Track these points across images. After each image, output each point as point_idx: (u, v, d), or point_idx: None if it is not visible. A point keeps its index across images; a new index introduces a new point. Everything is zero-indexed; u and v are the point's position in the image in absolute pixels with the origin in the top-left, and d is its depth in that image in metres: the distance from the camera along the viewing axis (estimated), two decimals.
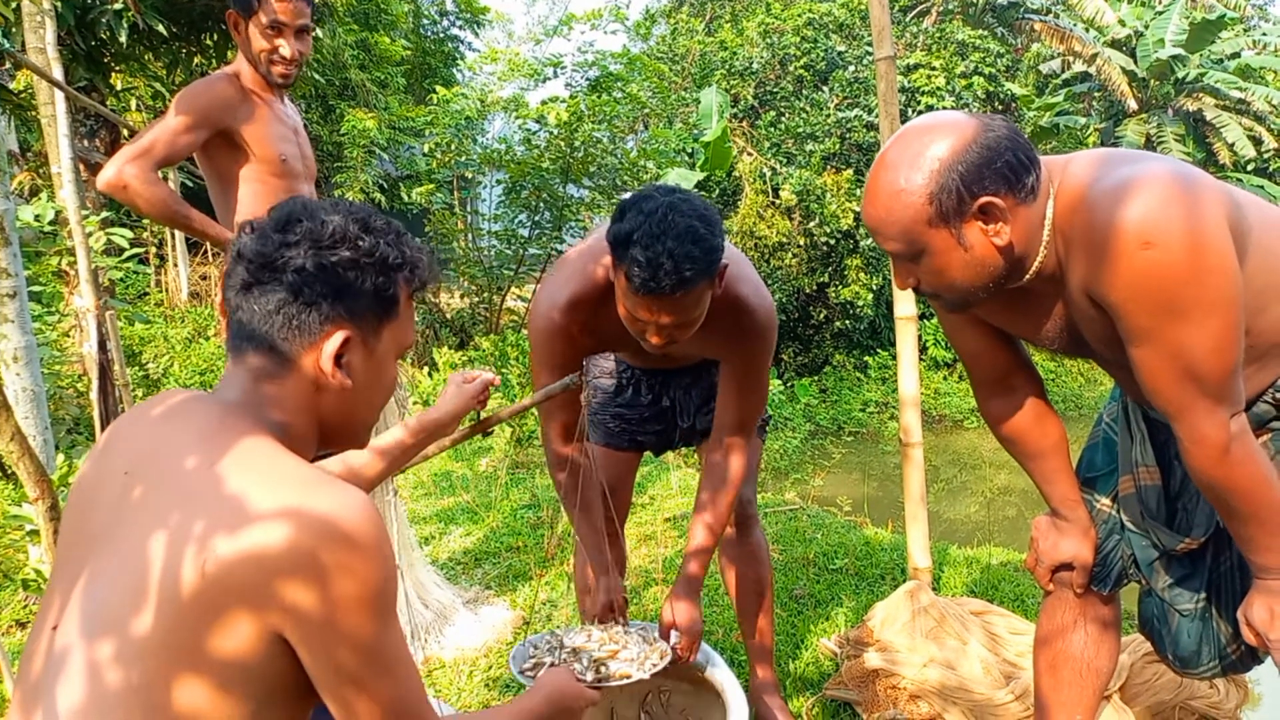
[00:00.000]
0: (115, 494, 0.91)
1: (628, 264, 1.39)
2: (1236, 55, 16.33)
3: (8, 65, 4.74)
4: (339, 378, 0.95)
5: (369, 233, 0.95)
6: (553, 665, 1.53)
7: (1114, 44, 15.86)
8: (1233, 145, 15.03)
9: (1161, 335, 1.16)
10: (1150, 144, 15.28)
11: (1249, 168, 15.56)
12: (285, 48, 2.17)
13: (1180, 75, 15.45)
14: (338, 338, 0.93)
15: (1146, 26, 15.65)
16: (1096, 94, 16.59)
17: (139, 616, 0.81)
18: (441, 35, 14.58)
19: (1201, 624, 1.49)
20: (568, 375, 1.60)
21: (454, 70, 14.58)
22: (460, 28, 15.10)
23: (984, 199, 1.18)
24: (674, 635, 1.72)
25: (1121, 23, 15.88)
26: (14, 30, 4.07)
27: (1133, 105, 15.63)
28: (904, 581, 2.72)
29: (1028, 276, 1.28)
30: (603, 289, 1.59)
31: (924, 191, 1.19)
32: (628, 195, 1.48)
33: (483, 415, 1.57)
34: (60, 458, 2.79)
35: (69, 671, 0.83)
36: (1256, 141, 15.18)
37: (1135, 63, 15.55)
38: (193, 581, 0.80)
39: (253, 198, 2.21)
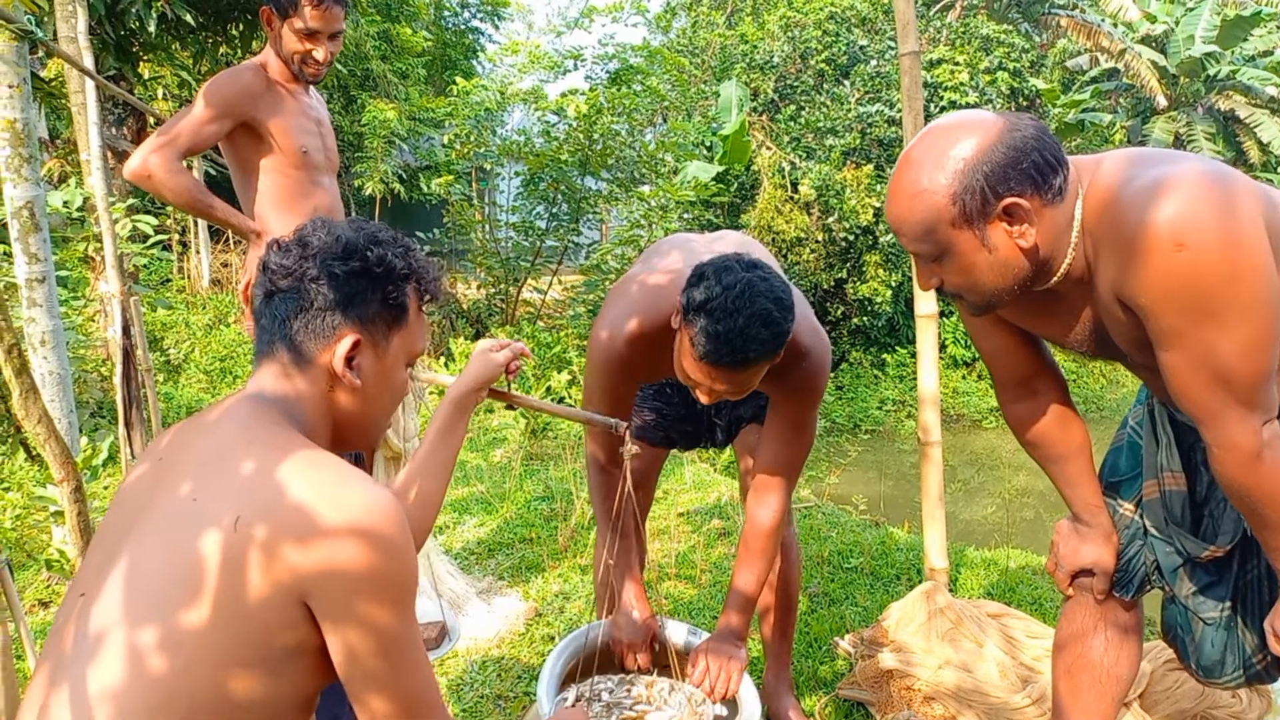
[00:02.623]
0: (153, 476, 0.98)
1: (695, 330, 1.41)
2: (1269, 53, 16.06)
3: (40, 54, 4.79)
4: (349, 378, 1.02)
5: (378, 244, 1.03)
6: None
7: (1144, 40, 15.64)
8: (1267, 144, 14.78)
9: (1193, 339, 1.14)
10: (1179, 142, 15.07)
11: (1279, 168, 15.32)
12: (319, 52, 2.19)
13: (1212, 72, 15.21)
14: (348, 340, 1.01)
15: (1177, 23, 15.42)
16: (1124, 92, 16.38)
17: (184, 609, 0.85)
18: (462, 27, 14.62)
19: (1226, 633, 1.47)
20: (619, 401, 1.64)
21: (474, 62, 14.62)
22: (481, 20, 15.13)
23: (1009, 200, 1.16)
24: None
25: (1151, 18, 15.65)
26: (46, 19, 4.12)
27: (1162, 102, 15.41)
28: (920, 582, 2.71)
29: (1055, 278, 1.26)
30: (666, 323, 1.59)
31: (948, 191, 1.17)
32: (709, 260, 1.48)
33: (511, 389, 1.52)
34: (84, 441, 2.83)
35: (104, 652, 0.85)
36: None
37: (1166, 58, 15.34)
38: (251, 585, 0.85)
39: (273, 188, 2.23)
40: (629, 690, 1.62)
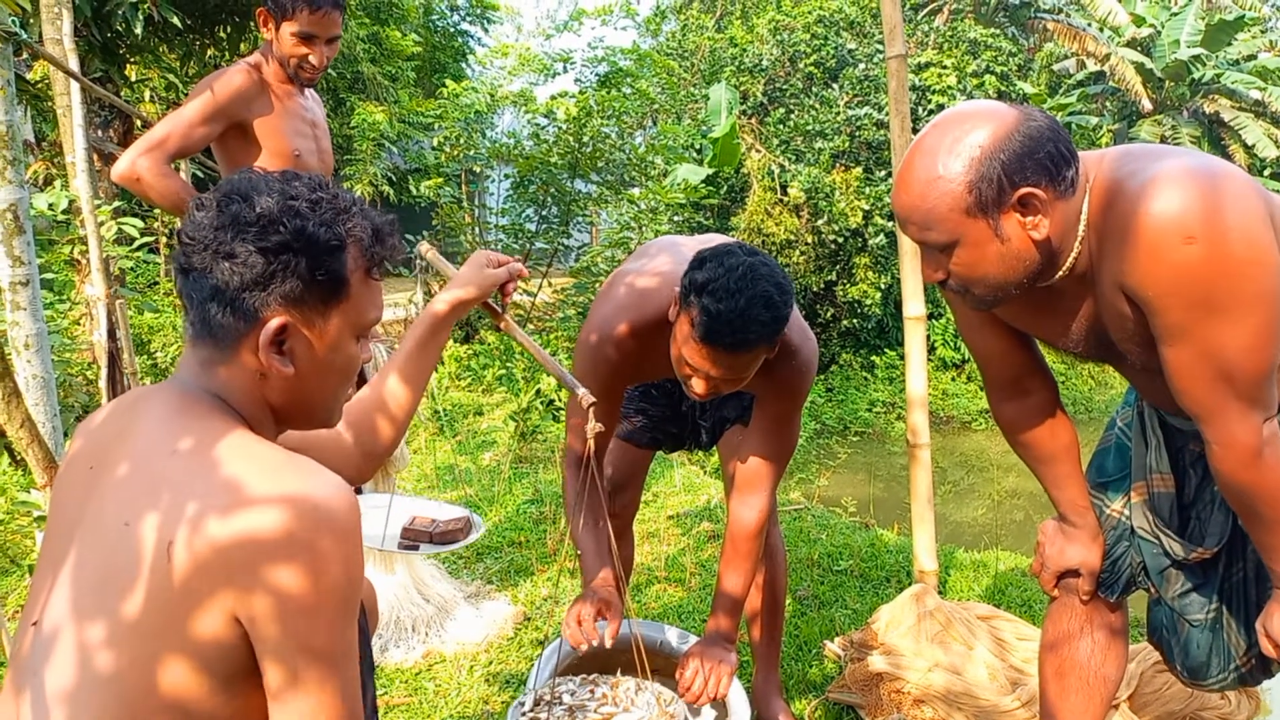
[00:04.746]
0: (84, 487, 0.91)
1: (696, 310, 1.41)
2: (1253, 57, 16.23)
3: (25, 56, 4.75)
4: (276, 366, 0.91)
5: (297, 216, 0.89)
6: None
7: (1130, 44, 15.78)
8: (1252, 147, 14.93)
9: (1198, 333, 1.13)
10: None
11: (1266, 171, 15.45)
12: (314, 56, 2.18)
13: (1196, 76, 15.35)
14: (274, 324, 0.90)
15: (1162, 27, 15.55)
16: (1110, 96, 16.51)
17: (126, 601, 0.82)
18: (451, 30, 14.58)
19: (1212, 635, 1.48)
20: (607, 402, 1.61)
21: (463, 65, 14.59)
22: (470, 23, 15.11)
23: (1024, 190, 1.15)
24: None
25: (1139, 21, 15.77)
26: (32, 21, 4.08)
27: (1147, 106, 15.54)
28: (909, 584, 2.72)
29: (1059, 274, 1.25)
30: (655, 324, 1.59)
31: (963, 179, 1.15)
32: (709, 247, 1.49)
33: (505, 312, 1.42)
34: (69, 444, 2.80)
35: (57, 654, 0.84)
36: (1276, 143, 15.08)
37: (1151, 62, 15.47)
38: (183, 566, 0.80)
39: None
40: (592, 691, 1.57)
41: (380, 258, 0.97)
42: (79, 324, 5.17)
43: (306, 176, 0.96)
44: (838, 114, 11.52)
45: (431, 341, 1.28)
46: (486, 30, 15.68)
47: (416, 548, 1.87)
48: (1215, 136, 15.71)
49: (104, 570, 0.84)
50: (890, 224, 10.55)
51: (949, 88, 11.37)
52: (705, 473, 4.90)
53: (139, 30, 4.36)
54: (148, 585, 0.81)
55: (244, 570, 0.80)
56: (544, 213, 9.15)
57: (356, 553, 0.85)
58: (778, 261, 1.50)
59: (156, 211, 8.45)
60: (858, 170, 11.03)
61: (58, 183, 4.88)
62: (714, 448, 2.12)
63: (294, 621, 0.80)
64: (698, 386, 1.51)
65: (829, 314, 11.61)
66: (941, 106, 11.26)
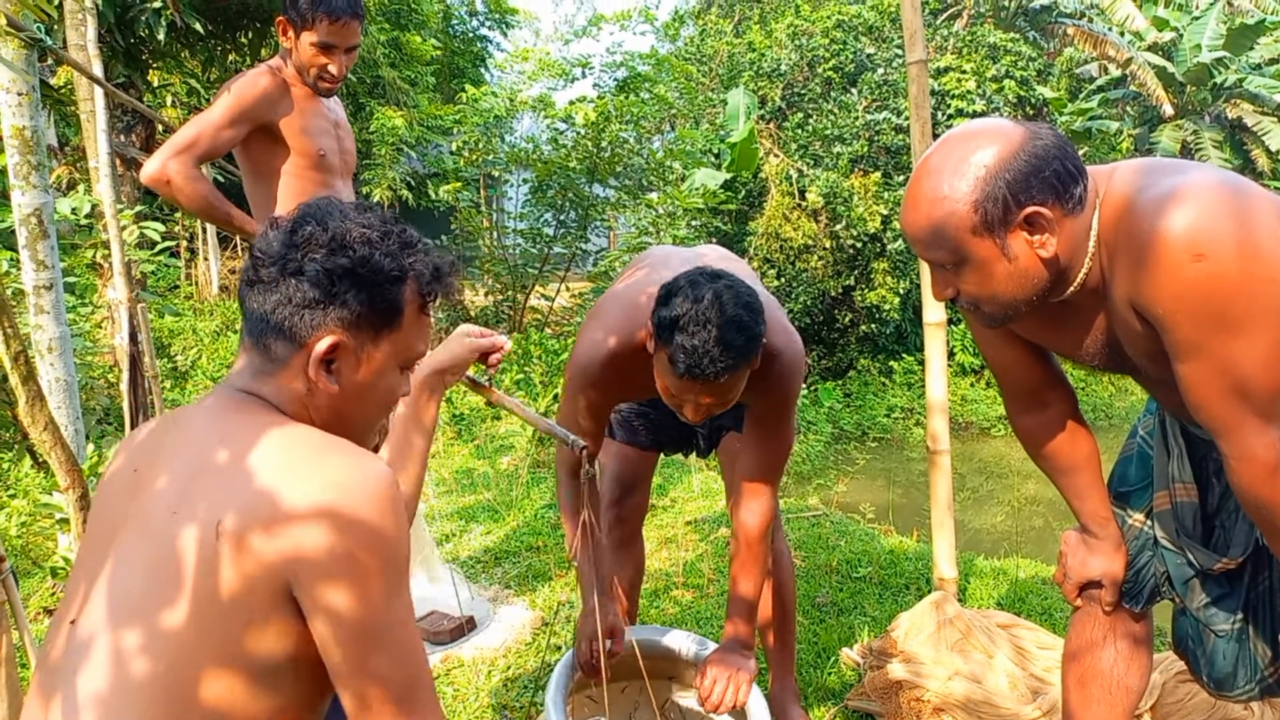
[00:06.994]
0: (128, 490, 0.94)
1: (672, 348, 1.42)
2: (1275, 61, 16.03)
3: (49, 61, 4.82)
4: (324, 382, 0.96)
5: (368, 244, 0.95)
6: None
7: (1151, 48, 15.63)
8: (1275, 152, 14.72)
9: (1210, 350, 1.12)
10: (1187, 150, 15.03)
11: None
12: (334, 66, 2.18)
13: (1219, 80, 15.18)
14: (325, 343, 0.94)
15: (1184, 31, 15.40)
16: (1131, 100, 16.35)
17: (168, 610, 0.83)
18: (470, 35, 14.68)
19: (1238, 645, 1.45)
20: (596, 419, 1.65)
21: (482, 69, 14.68)
22: (489, 28, 15.21)
23: (1030, 209, 1.15)
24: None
25: (1160, 25, 15.63)
26: (56, 27, 4.14)
27: (1169, 110, 15.38)
28: (929, 592, 2.69)
29: (1070, 289, 1.24)
30: (639, 348, 1.59)
31: (969, 199, 1.15)
32: (673, 279, 1.48)
33: (491, 383, 1.44)
34: (90, 447, 2.83)
35: (91, 659, 0.84)
36: None
37: (1173, 66, 15.32)
38: (231, 581, 0.83)
39: (289, 192, 2.23)
40: None
41: (436, 295, 1.03)
42: (101, 327, 5.23)
43: (379, 209, 1.02)
44: (856, 119, 11.49)
45: (420, 416, 1.28)
46: (505, 35, 15.79)
47: None
48: (1237, 141, 15.51)
49: (149, 562, 0.86)
50: None
51: (968, 92, 11.31)
52: (722, 478, 4.88)
53: (161, 36, 4.42)
54: (197, 568, 0.83)
55: (297, 541, 0.83)
56: (562, 217, 9.17)
57: (403, 520, 0.89)
58: (743, 279, 1.49)
59: (178, 215, 8.55)
60: (876, 175, 11.00)
61: (81, 187, 4.95)
62: (713, 453, 2.12)
63: (358, 638, 0.85)
64: (690, 415, 1.53)
65: (847, 319, 11.57)
66: (961, 111, 11.20)
